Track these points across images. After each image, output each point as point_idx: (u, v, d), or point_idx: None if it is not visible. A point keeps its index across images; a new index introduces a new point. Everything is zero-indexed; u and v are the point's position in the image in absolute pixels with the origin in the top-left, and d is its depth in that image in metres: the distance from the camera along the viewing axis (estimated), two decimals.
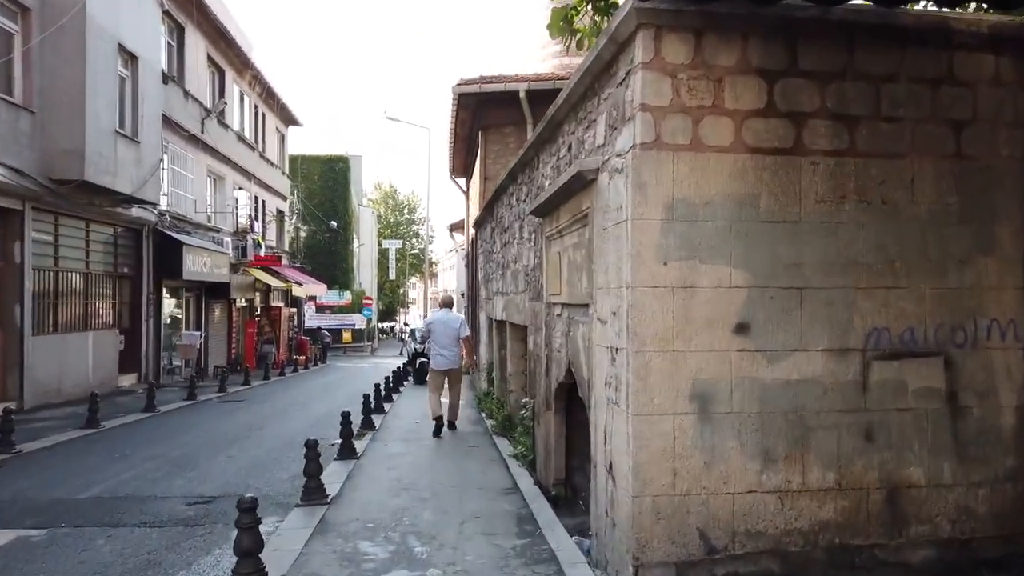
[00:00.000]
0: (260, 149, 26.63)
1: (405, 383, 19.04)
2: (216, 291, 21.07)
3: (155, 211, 16.93)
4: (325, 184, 40.74)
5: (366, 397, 10.90)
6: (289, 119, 30.49)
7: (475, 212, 17.79)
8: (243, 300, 24.59)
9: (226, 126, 22.51)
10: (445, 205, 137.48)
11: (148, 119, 15.34)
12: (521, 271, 8.29)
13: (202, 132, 20.14)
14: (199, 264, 18.38)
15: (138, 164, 14.69)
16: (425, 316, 34.45)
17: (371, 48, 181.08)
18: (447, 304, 10.73)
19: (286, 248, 30.92)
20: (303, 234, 39.78)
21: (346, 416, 8.52)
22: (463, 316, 13.52)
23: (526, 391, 9.35)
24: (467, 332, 10.34)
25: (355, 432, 9.98)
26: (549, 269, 6.47)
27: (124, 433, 10.75)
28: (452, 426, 10.18)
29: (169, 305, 19.21)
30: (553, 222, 6.20)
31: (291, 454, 9.09)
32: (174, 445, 9.67)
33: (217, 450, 9.32)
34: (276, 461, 8.63)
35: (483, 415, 11.61)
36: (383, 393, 14.12)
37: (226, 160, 22.42)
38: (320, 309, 39.16)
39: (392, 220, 64.81)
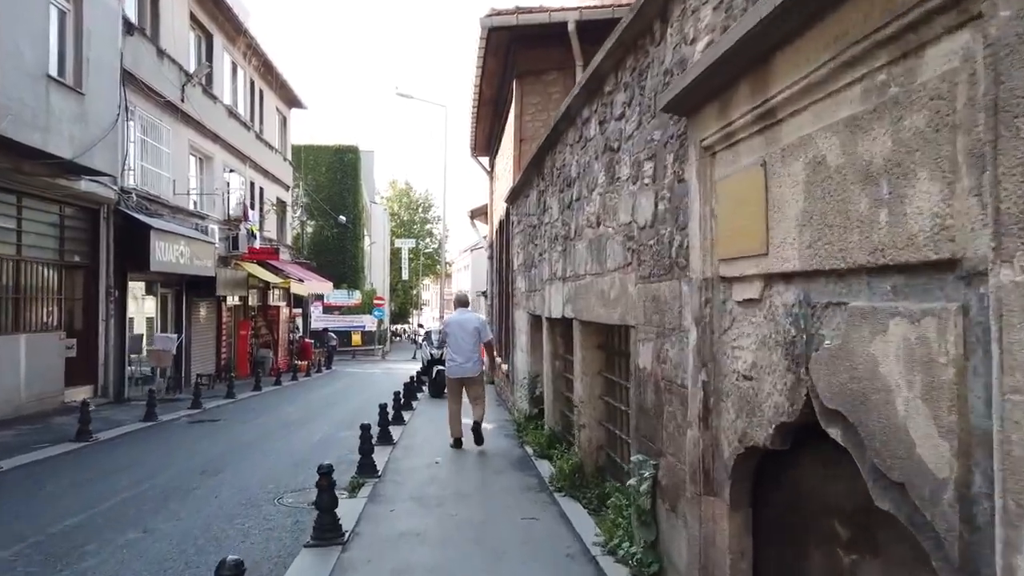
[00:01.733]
0: (257, 129, 23.43)
1: (420, 394, 15.73)
2: (200, 287, 17.85)
3: (115, 187, 13.69)
4: (333, 176, 37.56)
5: (365, 429, 7.55)
6: (292, 100, 27.29)
7: (503, 191, 14.49)
8: (235, 298, 21.38)
9: (214, 97, 19.30)
10: (462, 197, 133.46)
11: (99, 67, 12.11)
12: (615, 235, 4.92)
13: (182, 100, 16.92)
14: (173, 254, 15.14)
15: (82, 122, 11.46)
16: (441, 317, 31.15)
17: (381, 27, 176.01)
18: (462, 303, 9.39)
19: (288, 242, 27.72)
20: (309, 229, 36.63)
21: (327, 474, 5.16)
22: (483, 316, 10.64)
23: (610, 427, 5.98)
24: (489, 335, 9.09)
25: (348, 483, 6.71)
26: (720, 210, 3.12)
27: (19, 480, 7.46)
28: (479, 435, 8.64)
29: (139, 303, 16.00)
30: (742, 104, 2.84)
31: (248, 524, 5.80)
32: (75, 506, 6.36)
33: (133, 519, 6.00)
34: (216, 544, 5.30)
35: (530, 452, 8.23)
36: (391, 414, 10.85)
37: (214, 137, 19.21)
38: (328, 310, 35.96)
39: (406, 219, 61.69)
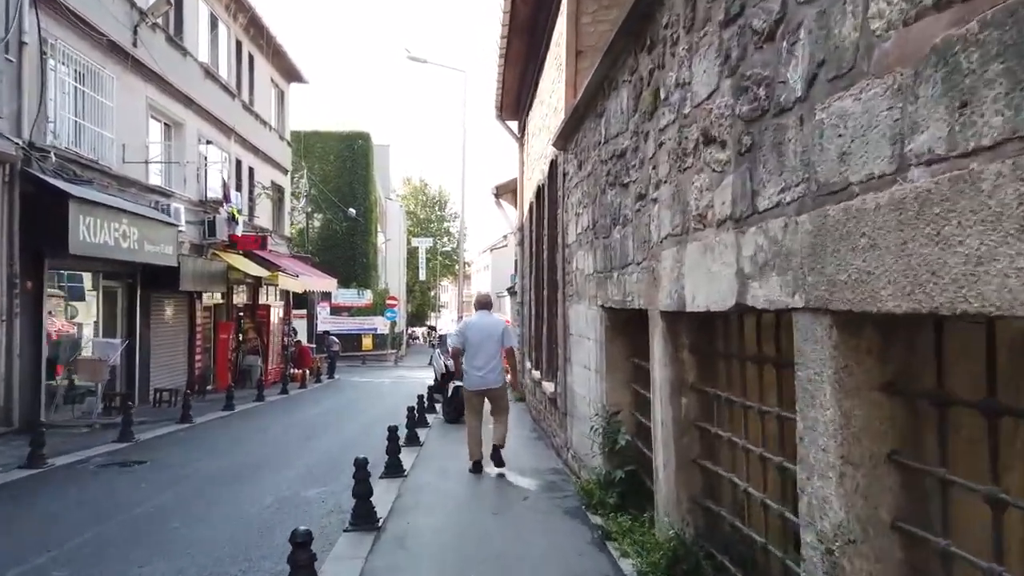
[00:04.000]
0: (245, 100, 19.71)
1: (432, 416, 11.88)
2: (162, 280, 14.08)
3: (18, 140, 9.97)
4: (342, 165, 33.86)
5: (299, 545, 3.61)
6: (290, 72, 23.58)
7: (540, 150, 10.61)
8: (216, 295, 17.65)
9: (184, 51, 15.59)
10: (483, 186, 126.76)
11: None
12: None
13: (135, 45, 13.20)
14: (111, 234, 11.39)
15: None
16: (460, 319, 27.33)
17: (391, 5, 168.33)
18: (484, 305, 7.98)
19: (285, 233, 23.98)
20: (316, 222, 33.01)
21: None
22: (506, 321, 9.21)
23: None
24: (512, 341, 7.71)
25: None
26: None
27: None
28: (499, 459, 7.24)
29: (66, 300, 12.26)
30: None
31: None
32: None
33: None
34: None
35: (627, 570, 4.26)
36: (385, 462, 7.10)
37: (185, 100, 15.49)
38: (336, 311, 32.24)
39: (422, 217, 58.00)
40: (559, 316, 8.29)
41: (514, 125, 15.17)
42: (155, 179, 14.63)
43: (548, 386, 9.08)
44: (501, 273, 58.12)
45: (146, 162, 13.92)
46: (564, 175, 7.68)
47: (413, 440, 9.23)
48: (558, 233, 8.41)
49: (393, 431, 7.43)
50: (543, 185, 10.16)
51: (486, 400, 7.42)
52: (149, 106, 14.15)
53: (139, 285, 13.74)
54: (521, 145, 14.63)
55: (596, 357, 5.92)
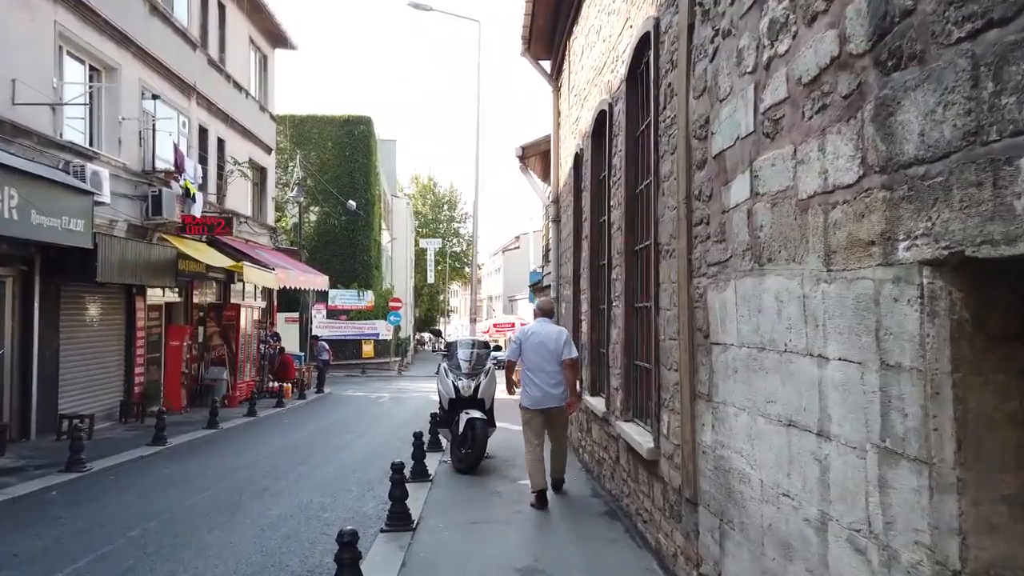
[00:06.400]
0: (214, 56, 15.92)
1: (437, 456, 8.02)
2: (74, 267, 10.28)
3: None
4: (341, 152, 30.06)
5: None
6: (274, 34, 19.79)
7: (589, 73, 6.76)
8: (169, 291, 13.84)
9: None
10: (496, 176, 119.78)
11: None
12: None
13: None
14: None
15: None
16: (472, 321, 23.40)
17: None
18: (547, 312, 6.84)
19: (269, 222, 20.13)
20: (312, 216, 29.25)
21: None
22: (567, 330, 6.89)
23: None
24: (574, 352, 6.39)
25: None
26: None
27: None
28: (559, 487, 6.55)
29: None
30: None
31: None
32: None
33: None
34: None
35: None
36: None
37: (120, 37, 11.73)
38: (333, 314, 28.37)
39: (431, 217, 54.21)
40: (669, 309, 4.35)
41: (546, 66, 11.30)
42: (74, 135, 10.87)
43: (634, 433, 5.11)
44: (514, 276, 54.19)
45: (51, 105, 10.09)
46: (694, 24, 3.74)
47: (399, 521, 5.35)
48: (661, 157, 4.49)
49: (351, 545, 3.50)
50: (611, 104, 6.24)
51: (544, 420, 6.33)
52: (60, 35, 10.37)
53: (39, 273, 9.93)
54: (556, 89, 10.77)
55: (903, 417, 2.00)
